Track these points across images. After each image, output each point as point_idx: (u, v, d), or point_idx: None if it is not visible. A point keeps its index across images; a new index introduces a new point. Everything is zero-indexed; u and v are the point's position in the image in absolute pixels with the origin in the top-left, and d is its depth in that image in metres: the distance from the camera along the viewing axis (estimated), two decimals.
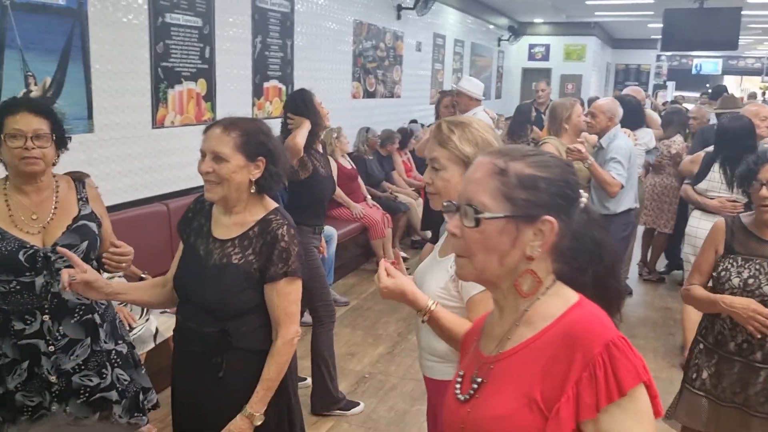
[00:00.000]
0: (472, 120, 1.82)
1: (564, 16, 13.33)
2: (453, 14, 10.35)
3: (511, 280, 1.13)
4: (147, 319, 3.18)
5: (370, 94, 7.62)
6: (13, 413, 2.18)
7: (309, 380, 3.69)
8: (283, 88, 5.76)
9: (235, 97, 5.06)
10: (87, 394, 2.24)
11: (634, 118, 4.99)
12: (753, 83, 23.28)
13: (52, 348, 2.17)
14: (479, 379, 1.17)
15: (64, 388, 2.20)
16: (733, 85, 22.21)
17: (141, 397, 2.44)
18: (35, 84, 3.43)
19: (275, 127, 2.64)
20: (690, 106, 8.12)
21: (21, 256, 2.10)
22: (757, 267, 2.33)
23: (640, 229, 6.03)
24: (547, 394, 1.04)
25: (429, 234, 4.43)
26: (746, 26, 11.45)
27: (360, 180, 6.29)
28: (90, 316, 2.26)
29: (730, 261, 2.38)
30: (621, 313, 1.24)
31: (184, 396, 2.01)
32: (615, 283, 1.21)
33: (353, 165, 6.23)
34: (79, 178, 2.37)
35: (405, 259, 5.94)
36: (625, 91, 6.70)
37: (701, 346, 2.50)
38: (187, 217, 2.08)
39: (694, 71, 21.15)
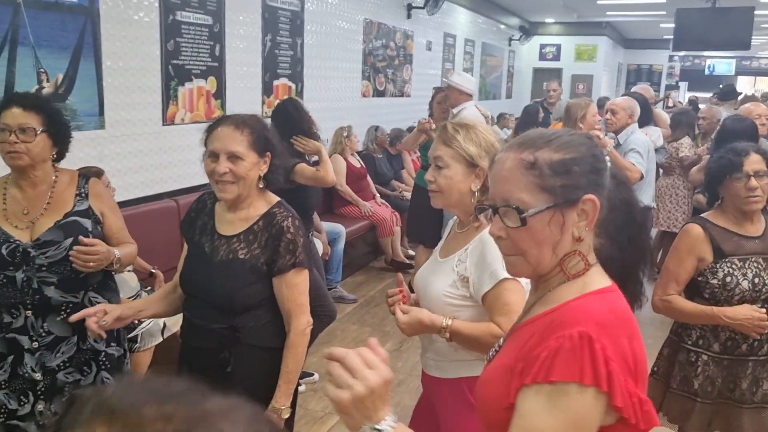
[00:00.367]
0: (476, 122, 1.87)
1: (575, 16, 13.25)
2: (463, 14, 10.33)
3: (557, 265, 1.13)
4: None
5: (379, 93, 7.63)
6: None
7: (316, 375, 3.71)
8: (293, 86, 5.78)
9: (244, 95, 5.08)
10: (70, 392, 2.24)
11: (642, 116, 4.97)
12: (767, 84, 23.08)
13: (36, 344, 2.14)
14: (498, 346, 1.25)
15: (48, 385, 2.18)
16: (746, 86, 22.01)
17: None
18: (47, 81, 3.46)
19: None
20: (702, 107, 8.05)
21: (3, 251, 2.09)
22: (756, 265, 2.28)
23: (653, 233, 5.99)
24: (521, 365, 1.06)
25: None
26: (759, 26, 11.36)
27: (369, 178, 6.30)
28: None
29: (729, 265, 2.27)
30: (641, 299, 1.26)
31: None
32: (645, 238, 1.25)
33: (362, 163, 6.24)
34: (86, 174, 2.35)
35: (411, 257, 5.94)
36: (633, 89, 6.68)
37: (687, 354, 2.40)
38: (189, 217, 2.08)
39: (707, 72, 20.93)
